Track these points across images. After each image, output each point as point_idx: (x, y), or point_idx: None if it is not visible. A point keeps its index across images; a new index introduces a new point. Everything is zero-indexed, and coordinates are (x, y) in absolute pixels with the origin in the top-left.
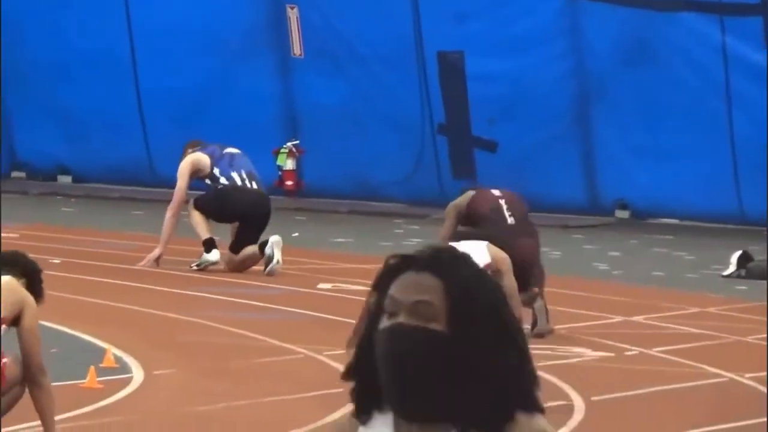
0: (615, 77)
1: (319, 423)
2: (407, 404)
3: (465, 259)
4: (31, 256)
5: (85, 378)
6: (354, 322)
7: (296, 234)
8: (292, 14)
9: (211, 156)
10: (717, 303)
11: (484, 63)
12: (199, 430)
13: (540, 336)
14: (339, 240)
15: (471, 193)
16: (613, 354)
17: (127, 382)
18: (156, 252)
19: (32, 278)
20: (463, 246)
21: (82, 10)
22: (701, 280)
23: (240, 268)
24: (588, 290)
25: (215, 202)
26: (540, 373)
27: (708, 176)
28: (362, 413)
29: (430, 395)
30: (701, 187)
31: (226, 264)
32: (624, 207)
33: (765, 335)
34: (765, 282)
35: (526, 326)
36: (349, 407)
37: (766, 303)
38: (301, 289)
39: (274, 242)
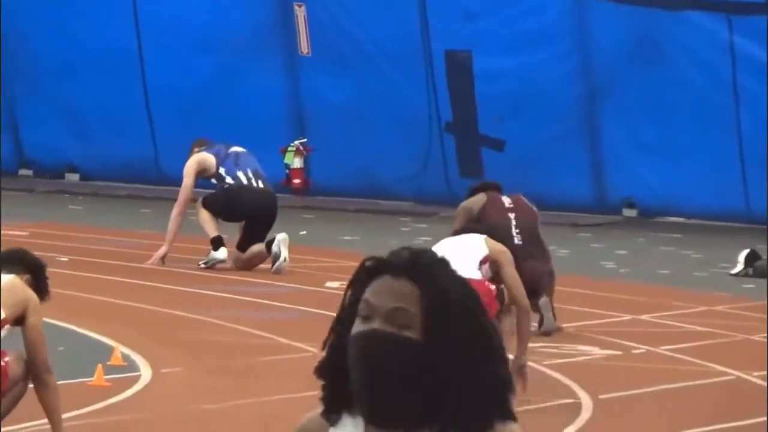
0: (622, 75)
1: None
2: (378, 412)
3: (443, 265)
4: (38, 254)
5: (92, 376)
6: None
7: (304, 232)
8: (300, 12)
9: (216, 155)
10: (724, 301)
11: (491, 61)
12: (207, 427)
13: (547, 334)
14: (346, 238)
15: (483, 198)
16: (620, 352)
17: (134, 380)
18: (162, 250)
19: (37, 274)
20: (461, 240)
21: (89, 8)
22: (709, 278)
23: (247, 266)
24: (595, 289)
25: (222, 201)
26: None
27: (715, 175)
28: (331, 413)
29: (401, 404)
30: (709, 186)
31: (233, 262)
32: (631, 205)
33: None
34: None
35: (534, 325)
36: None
37: (766, 302)
38: (309, 288)
39: (281, 240)
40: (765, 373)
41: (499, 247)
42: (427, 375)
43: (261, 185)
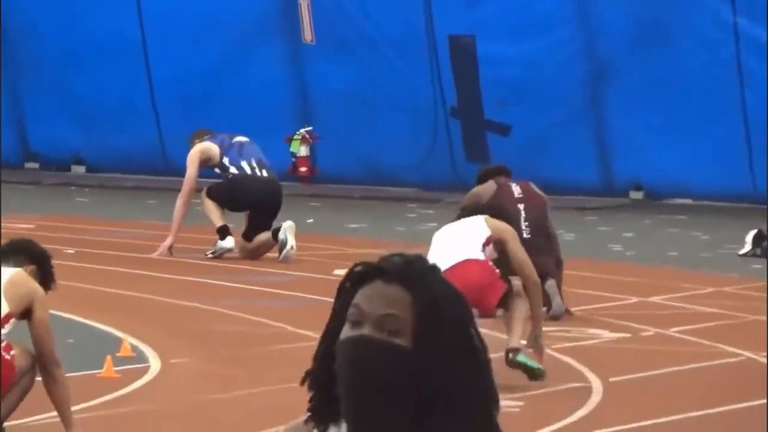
0: (626, 57)
1: None
2: (364, 420)
3: (436, 273)
4: (45, 246)
5: (101, 368)
6: None
7: (311, 220)
8: (303, 0)
9: (220, 145)
10: (733, 282)
11: (495, 46)
12: (217, 417)
13: (555, 318)
14: (353, 225)
15: (493, 187)
16: (629, 335)
17: (144, 371)
18: (168, 241)
19: (42, 265)
20: (461, 224)
21: None
22: (716, 259)
23: (254, 255)
24: (603, 272)
25: (227, 191)
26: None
27: (721, 155)
28: (318, 424)
29: (388, 413)
30: (715, 167)
31: (239, 252)
32: (638, 188)
33: None
34: None
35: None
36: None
37: (766, 282)
38: (317, 275)
39: (287, 228)
40: None
41: (501, 225)
42: (415, 384)
43: (265, 174)
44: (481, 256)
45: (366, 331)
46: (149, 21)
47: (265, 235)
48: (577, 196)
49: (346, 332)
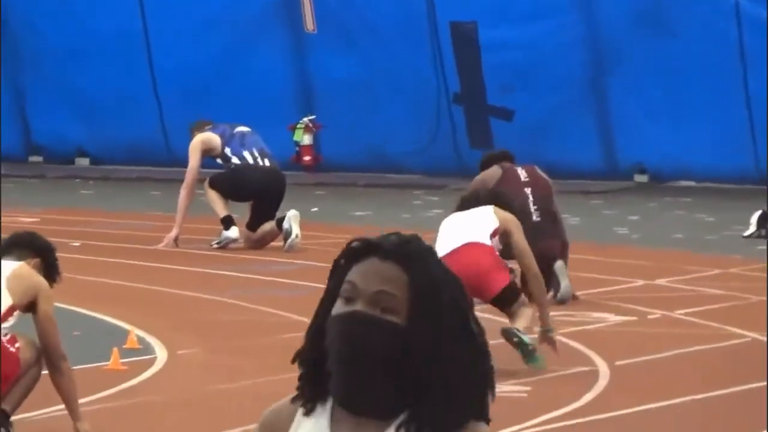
0: (628, 40)
1: None
2: (353, 395)
3: (433, 253)
4: (51, 239)
5: (108, 360)
6: None
7: (315, 209)
8: None
9: (221, 136)
10: (738, 264)
11: (497, 32)
12: (225, 407)
13: (562, 302)
14: (358, 213)
15: (498, 172)
16: (635, 318)
17: (150, 362)
18: (173, 233)
19: (46, 257)
20: (470, 213)
21: None
22: (721, 241)
23: (259, 245)
24: (608, 255)
25: (230, 182)
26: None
27: (725, 137)
28: (306, 402)
29: (377, 389)
30: (719, 148)
31: (244, 242)
32: (642, 171)
33: None
34: None
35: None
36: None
37: (766, 263)
38: (322, 264)
39: (292, 217)
40: None
41: (508, 215)
42: (407, 363)
43: (267, 163)
44: (488, 242)
45: (359, 307)
46: (151, 12)
47: (269, 225)
48: (582, 180)
49: (339, 308)
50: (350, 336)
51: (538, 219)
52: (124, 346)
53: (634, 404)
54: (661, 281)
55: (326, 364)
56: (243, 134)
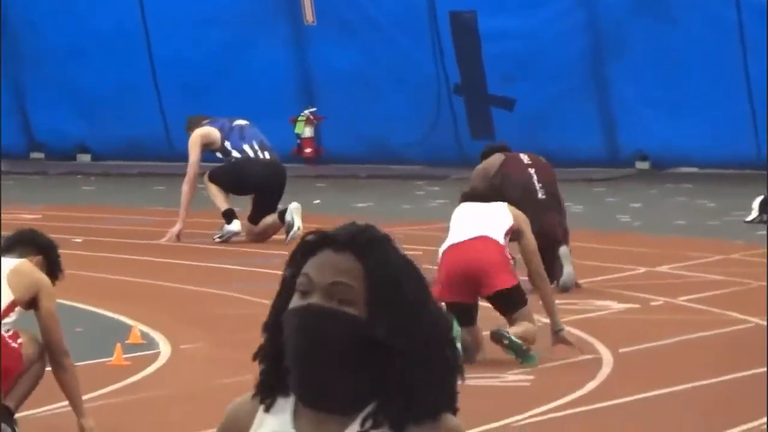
0: (628, 27)
1: None
2: (313, 393)
3: (389, 242)
4: (53, 236)
5: (111, 356)
6: None
7: (317, 201)
8: None
9: (221, 129)
10: (740, 249)
11: (496, 21)
12: (229, 401)
13: (565, 290)
14: (360, 205)
15: (501, 157)
16: (638, 305)
17: (154, 357)
18: (176, 228)
19: (48, 255)
20: (486, 207)
21: None
22: (723, 227)
23: (261, 238)
24: (610, 242)
25: (231, 175)
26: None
27: (726, 123)
28: (266, 398)
29: (337, 384)
30: (720, 134)
31: (246, 235)
32: (644, 158)
33: None
34: None
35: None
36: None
37: (767, 248)
38: None
39: (294, 209)
40: None
41: (521, 215)
42: (368, 354)
43: (268, 156)
44: (502, 241)
45: (315, 300)
46: (150, 7)
47: (271, 218)
48: (583, 168)
49: (295, 302)
50: (306, 330)
51: (543, 197)
52: (127, 342)
53: (638, 392)
54: (664, 268)
55: (283, 359)
56: (242, 127)
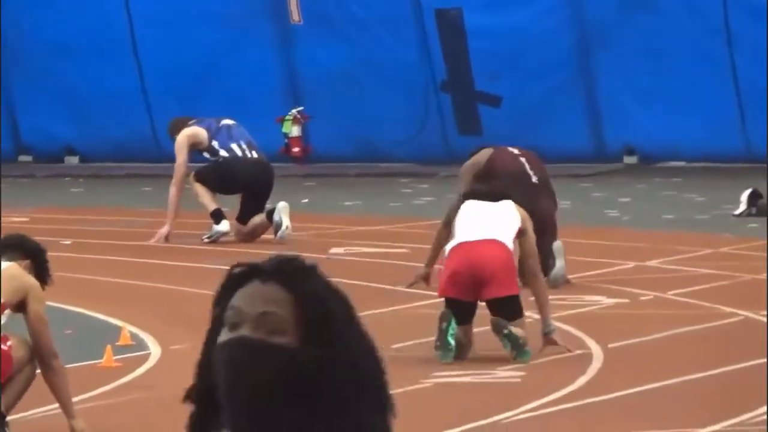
0: (615, 23)
1: None
2: (246, 427)
3: (315, 270)
4: (41, 238)
5: (101, 357)
6: (368, 284)
7: (306, 200)
8: None
9: (208, 129)
10: (729, 242)
11: (482, 18)
12: None
13: (554, 285)
14: (348, 203)
15: (489, 150)
16: (628, 300)
17: (144, 358)
18: (164, 229)
19: (36, 259)
20: (496, 206)
21: None
22: (712, 220)
23: (250, 237)
24: (599, 237)
25: (218, 174)
26: (556, 323)
27: (713, 116)
28: None
29: (271, 419)
30: (707, 128)
31: (235, 235)
32: (631, 152)
33: None
34: None
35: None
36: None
37: (767, 241)
38: (314, 255)
39: (282, 208)
40: None
41: (526, 214)
42: (302, 388)
43: (255, 155)
44: (511, 246)
45: (244, 332)
46: (136, 9)
47: (259, 218)
48: (571, 163)
49: (224, 335)
50: (236, 363)
51: (537, 182)
52: (117, 343)
53: (629, 386)
54: (653, 262)
55: (216, 398)
56: (229, 127)
